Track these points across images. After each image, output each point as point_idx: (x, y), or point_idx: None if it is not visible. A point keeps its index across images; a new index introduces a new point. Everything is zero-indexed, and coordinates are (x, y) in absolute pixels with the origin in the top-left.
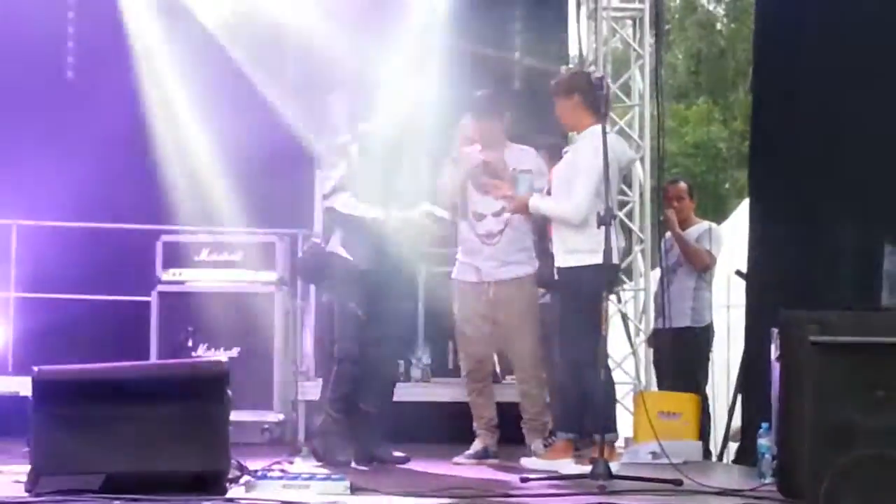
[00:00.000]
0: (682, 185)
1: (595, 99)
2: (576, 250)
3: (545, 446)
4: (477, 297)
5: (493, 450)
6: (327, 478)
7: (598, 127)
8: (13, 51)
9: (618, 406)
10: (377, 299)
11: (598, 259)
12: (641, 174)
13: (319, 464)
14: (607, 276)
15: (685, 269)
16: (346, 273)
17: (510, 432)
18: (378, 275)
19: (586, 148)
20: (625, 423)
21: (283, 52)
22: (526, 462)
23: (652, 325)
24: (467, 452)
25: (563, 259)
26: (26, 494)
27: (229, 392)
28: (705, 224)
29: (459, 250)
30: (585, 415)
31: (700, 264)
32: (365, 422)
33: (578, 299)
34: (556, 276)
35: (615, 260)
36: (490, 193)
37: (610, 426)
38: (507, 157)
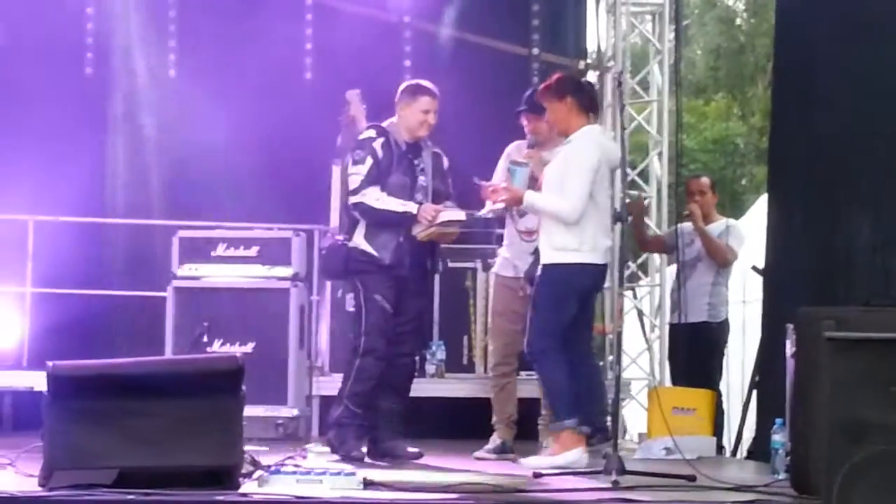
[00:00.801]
0: (705, 179)
1: (586, 100)
2: (562, 248)
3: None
4: (513, 292)
5: (510, 445)
6: (340, 473)
7: (592, 126)
8: (32, 47)
9: (632, 402)
10: (399, 294)
11: (582, 258)
12: (659, 170)
13: (334, 456)
14: (595, 276)
15: (705, 263)
16: (372, 267)
17: (525, 428)
18: (401, 269)
19: (580, 147)
20: (639, 418)
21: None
22: (525, 462)
23: (667, 321)
24: (487, 447)
25: (548, 255)
26: (40, 489)
27: (244, 387)
28: (726, 220)
29: (504, 245)
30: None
31: (722, 260)
32: (382, 417)
33: (557, 295)
34: (538, 272)
35: (606, 260)
36: (489, 198)
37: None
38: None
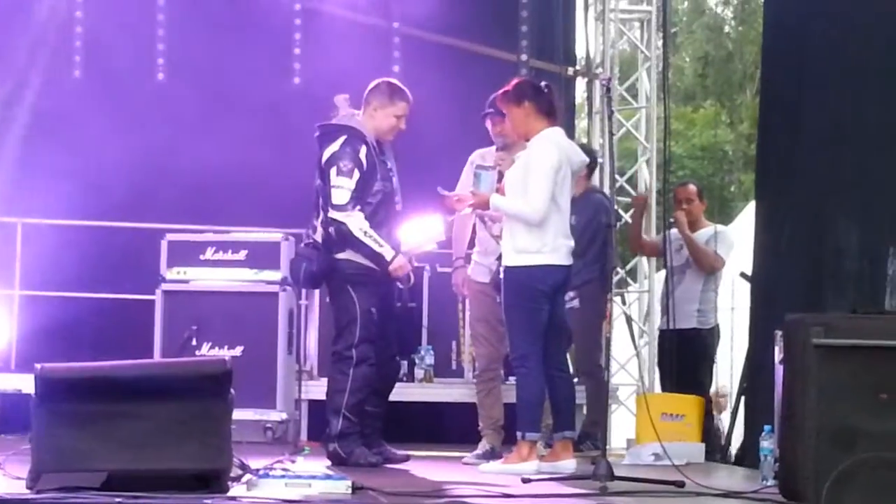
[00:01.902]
0: (692, 187)
1: (544, 104)
2: (523, 250)
3: (547, 446)
4: (490, 298)
5: (498, 450)
6: (329, 477)
7: (551, 129)
8: (19, 50)
9: (621, 408)
10: (386, 300)
11: (543, 259)
12: (647, 176)
13: (342, 467)
14: (556, 277)
15: (693, 270)
16: (368, 279)
17: (513, 433)
18: (395, 279)
19: (540, 150)
20: (627, 424)
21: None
22: (485, 468)
23: (657, 327)
24: (476, 452)
25: (510, 258)
26: (27, 491)
27: (232, 390)
28: (714, 226)
29: (475, 250)
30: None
31: (708, 267)
32: (368, 421)
33: (523, 298)
34: (500, 275)
35: (569, 261)
36: (454, 207)
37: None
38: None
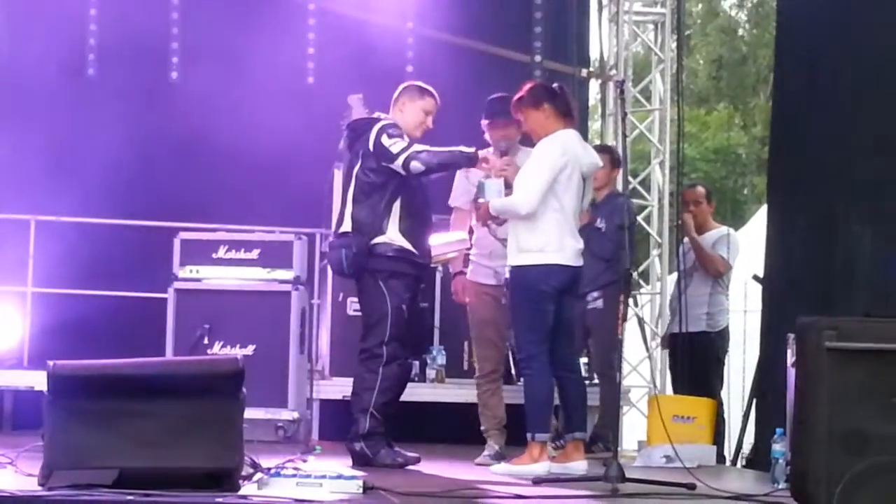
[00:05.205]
0: (700, 189)
1: (562, 105)
2: (526, 249)
3: (556, 448)
4: (495, 299)
5: (503, 451)
6: (340, 476)
7: (565, 131)
8: (34, 48)
9: (632, 409)
10: (415, 297)
11: (547, 258)
12: (661, 179)
13: (366, 467)
14: (561, 278)
15: (700, 273)
16: (405, 267)
17: (517, 434)
18: (426, 270)
19: (544, 147)
20: (639, 426)
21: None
22: (497, 469)
23: (667, 329)
24: (486, 454)
25: (514, 258)
26: (39, 488)
27: (244, 389)
28: (723, 229)
29: (474, 252)
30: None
31: (713, 270)
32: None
33: (527, 298)
34: (507, 276)
35: (576, 262)
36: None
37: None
38: (520, 162)
